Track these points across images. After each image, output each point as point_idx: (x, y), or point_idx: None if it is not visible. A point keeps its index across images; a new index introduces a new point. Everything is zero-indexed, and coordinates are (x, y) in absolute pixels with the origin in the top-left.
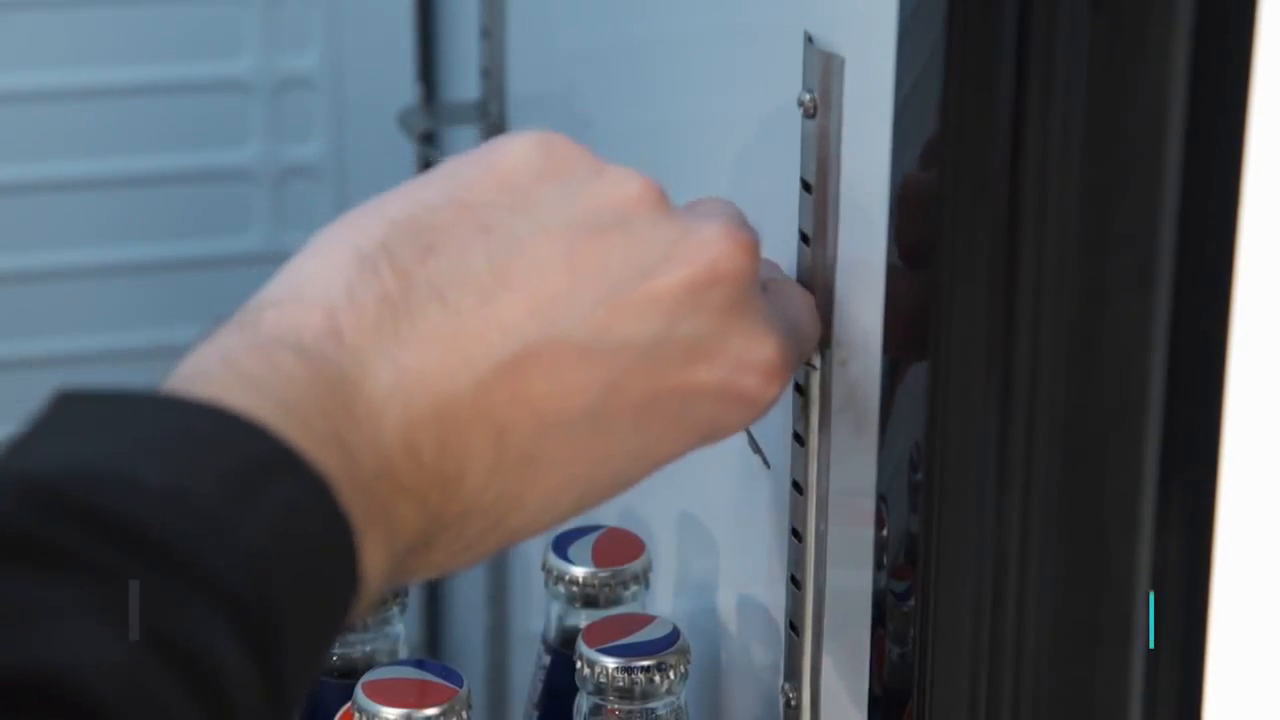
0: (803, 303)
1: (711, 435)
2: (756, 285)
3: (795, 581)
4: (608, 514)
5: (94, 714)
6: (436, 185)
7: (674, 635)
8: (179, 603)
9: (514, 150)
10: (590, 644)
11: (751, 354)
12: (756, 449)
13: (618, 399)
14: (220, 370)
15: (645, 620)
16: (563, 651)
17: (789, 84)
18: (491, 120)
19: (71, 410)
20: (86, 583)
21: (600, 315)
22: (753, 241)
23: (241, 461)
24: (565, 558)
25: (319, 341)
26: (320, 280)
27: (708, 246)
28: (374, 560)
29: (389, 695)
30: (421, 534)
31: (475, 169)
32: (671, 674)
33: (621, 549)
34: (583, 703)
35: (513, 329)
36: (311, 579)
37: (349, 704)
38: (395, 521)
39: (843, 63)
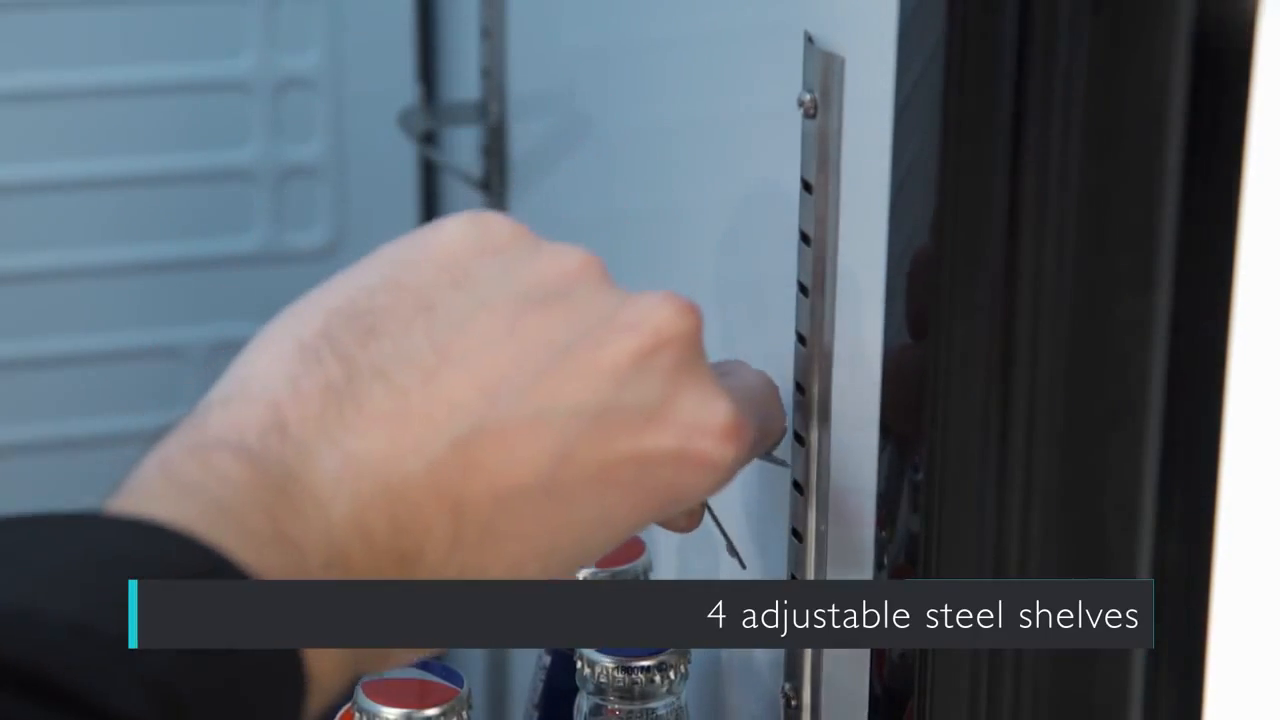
0: (761, 381)
1: (674, 501)
2: (702, 350)
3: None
4: None
5: None
6: (375, 269)
7: None
8: None
9: (451, 229)
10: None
11: (704, 417)
12: (732, 550)
13: (571, 467)
14: (157, 480)
15: None
16: (563, 651)
17: (789, 84)
18: (491, 120)
19: None
20: None
21: (546, 385)
22: (695, 307)
23: (163, 578)
24: None
25: (264, 437)
26: (264, 374)
27: (650, 313)
28: (325, 656)
29: (389, 695)
30: None
31: (412, 251)
32: (672, 674)
33: (621, 549)
34: (583, 703)
35: (460, 406)
36: (239, 692)
37: (349, 704)
38: None
39: (843, 63)
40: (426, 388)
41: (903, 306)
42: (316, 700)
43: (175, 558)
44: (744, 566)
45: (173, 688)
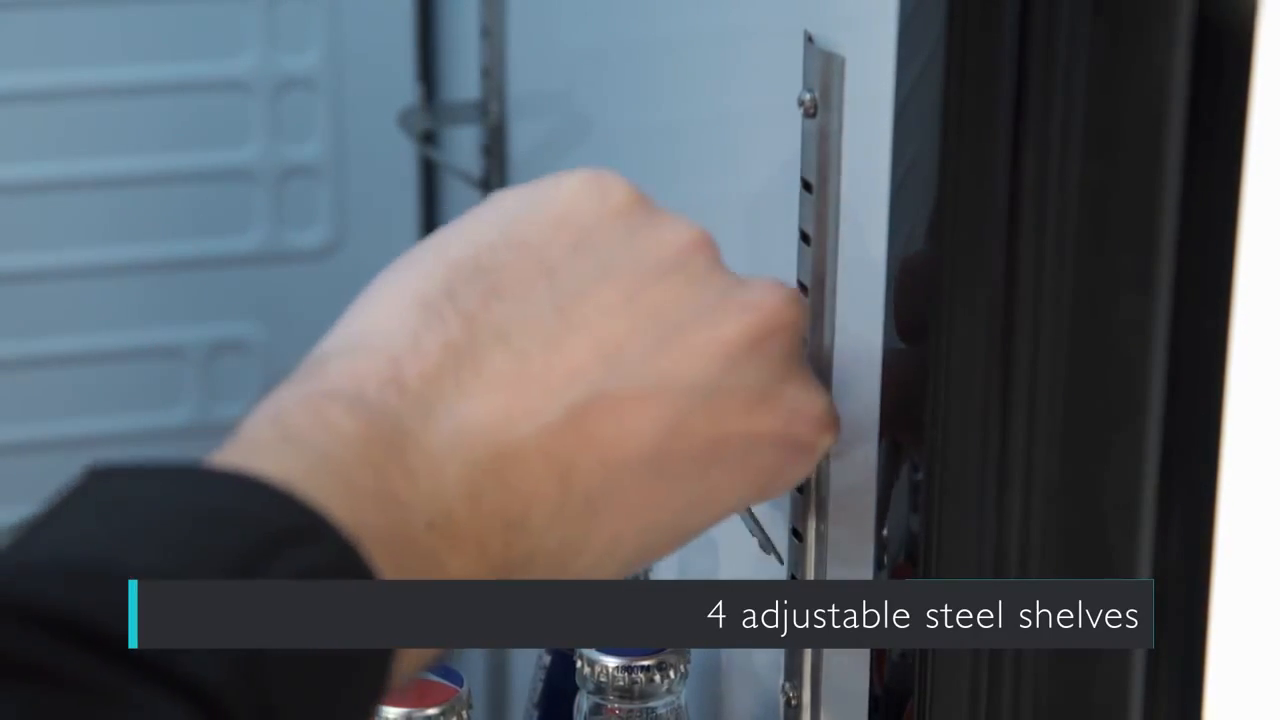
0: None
1: (771, 484)
2: (804, 340)
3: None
4: None
5: None
6: (494, 225)
7: None
8: (136, 700)
9: (570, 187)
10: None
11: (807, 404)
12: (768, 545)
13: (681, 442)
14: (267, 430)
15: None
16: (563, 651)
17: (789, 84)
18: (491, 120)
19: (92, 490)
20: (44, 691)
21: (662, 359)
22: (801, 296)
23: (256, 534)
24: None
25: (382, 390)
26: (385, 327)
27: (765, 296)
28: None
29: (389, 695)
30: None
31: (532, 207)
32: (672, 673)
33: None
34: (583, 702)
35: (578, 373)
36: (322, 669)
37: None
38: (448, 575)
39: (843, 62)
40: (546, 353)
41: (903, 305)
42: (396, 680)
43: (270, 515)
44: (781, 561)
45: (255, 657)
